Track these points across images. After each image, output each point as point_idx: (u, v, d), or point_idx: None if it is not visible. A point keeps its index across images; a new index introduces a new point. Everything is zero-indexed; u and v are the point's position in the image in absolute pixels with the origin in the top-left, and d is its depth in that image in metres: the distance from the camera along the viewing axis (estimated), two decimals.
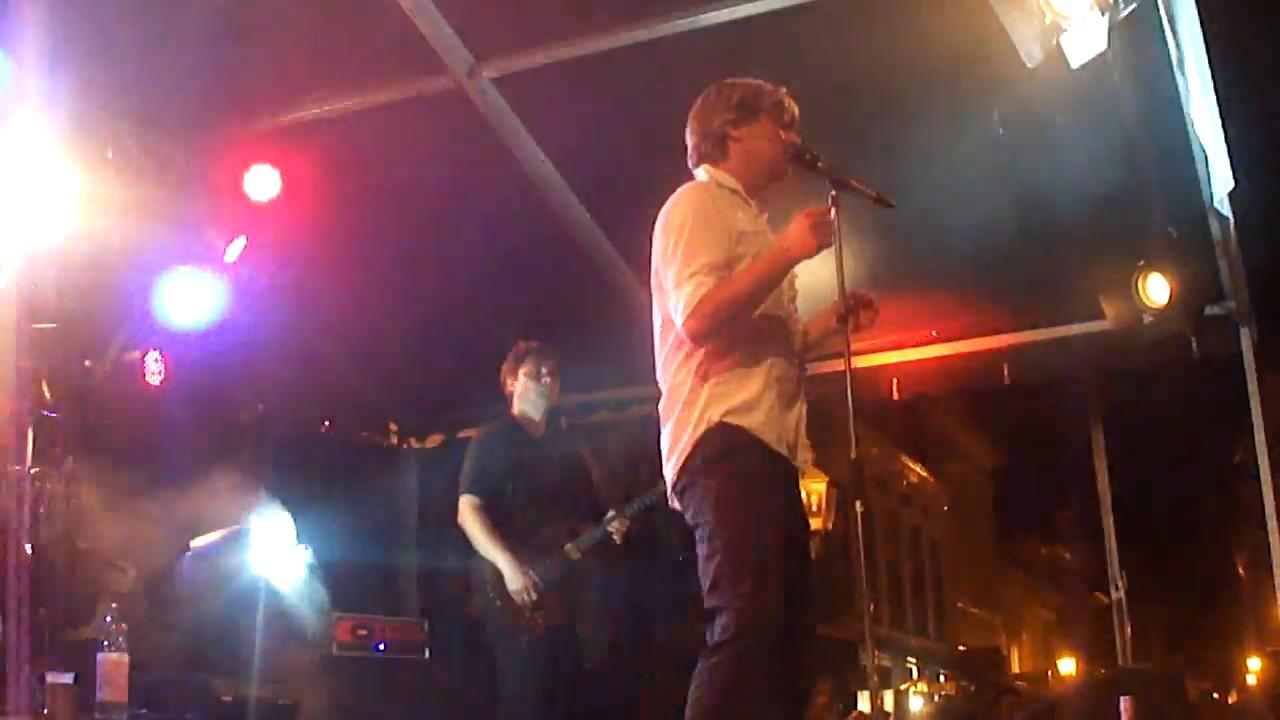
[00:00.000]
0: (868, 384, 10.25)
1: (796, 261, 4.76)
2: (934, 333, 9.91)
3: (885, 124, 7.88)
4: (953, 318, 9.77)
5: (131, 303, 8.91)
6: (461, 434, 11.81)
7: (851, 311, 4.91)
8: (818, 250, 4.65)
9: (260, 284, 9.20)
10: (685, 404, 4.82)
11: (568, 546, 7.68)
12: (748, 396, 4.76)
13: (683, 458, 4.80)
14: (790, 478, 4.92)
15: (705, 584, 4.65)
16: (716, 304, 4.67)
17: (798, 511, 5.04)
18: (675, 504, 4.90)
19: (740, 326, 4.77)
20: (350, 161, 8.63)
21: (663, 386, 4.98)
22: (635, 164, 7.62)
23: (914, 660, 36.74)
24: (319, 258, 9.27)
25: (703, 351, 4.80)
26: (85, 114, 8.11)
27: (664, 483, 7.77)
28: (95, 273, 8.44)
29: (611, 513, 7.81)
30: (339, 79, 8.29)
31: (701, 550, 4.71)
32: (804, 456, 4.97)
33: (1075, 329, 9.38)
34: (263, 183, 8.75)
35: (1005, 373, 9.82)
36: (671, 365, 4.92)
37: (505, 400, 8.03)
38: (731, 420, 4.72)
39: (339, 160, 8.62)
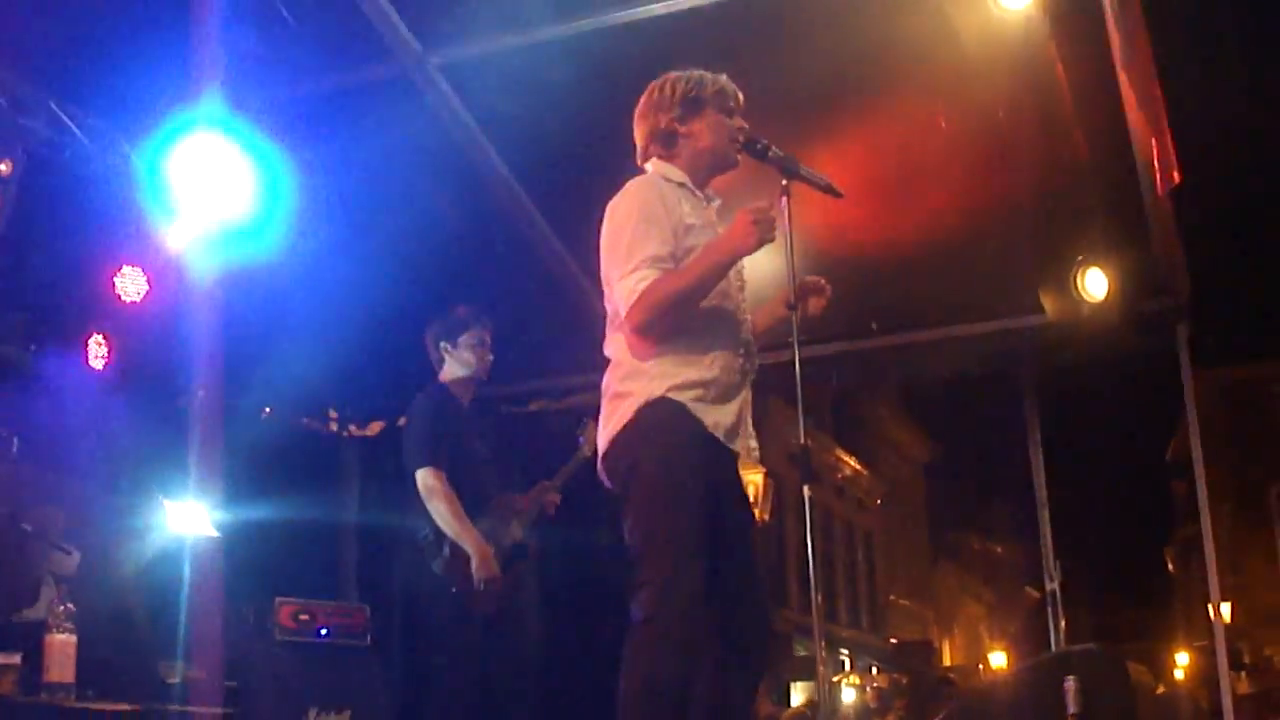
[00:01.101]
0: (806, 376, 10.30)
1: (738, 257, 4.82)
2: (874, 325, 9.96)
3: (828, 113, 7.93)
4: (892, 310, 9.81)
5: (76, 285, 8.89)
6: (402, 422, 11.85)
7: (800, 298, 4.96)
8: (758, 246, 4.71)
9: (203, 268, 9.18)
10: (628, 377, 4.86)
11: (513, 524, 7.60)
12: (691, 378, 4.80)
13: (617, 428, 4.83)
14: (727, 464, 4.96)
15: (631, 558, 4.68)
16: (660, 297, 4.72)
17: (739, 496, 5.08)
18: (604, 477, 4.93)
19: (686, 319, 4.81)
20: (295, 146, 8.61)
21: (608, 367, 5.02)
22: (581, 154, 7.68)
23: (846, 652, 36.92)
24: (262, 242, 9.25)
25: (649, 341, 4.83)
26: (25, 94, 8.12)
27: (584, 448, 7.86)
28: (40, 255, 8.44)
29: (543, 484, 7.79)
30: (284, 65, 8.27)
31: (627, 524, 4.75)
32: (746, 445, 5.02)
33: (1014, 322, 9.44)
34: None
35: (943, 364, 9.90)
36: (619, 355, 4.96)
37: (433, 366, 7.87)
38: (672, 395, 4.76)
39: (284, 145, 8.60)
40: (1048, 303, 8.65)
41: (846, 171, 7.60)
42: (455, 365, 7.77)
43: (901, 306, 9.75)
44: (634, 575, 4.66)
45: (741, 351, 5.02)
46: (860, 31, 7.43)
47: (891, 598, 43.37)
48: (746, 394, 5.04)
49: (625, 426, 4.81)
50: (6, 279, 8.31)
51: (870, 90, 7.74)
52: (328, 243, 9.29)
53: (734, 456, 4.97)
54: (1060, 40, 6.83)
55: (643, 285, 4.73)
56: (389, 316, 9.64)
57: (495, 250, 9.50)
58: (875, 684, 31.92)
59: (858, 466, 40.28)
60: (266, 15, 7.87)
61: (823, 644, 4.59)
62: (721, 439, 4.86)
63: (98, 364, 8.96)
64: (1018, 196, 8.07)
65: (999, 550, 52.54)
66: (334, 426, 12.05)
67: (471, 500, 7.46)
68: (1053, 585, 10.49)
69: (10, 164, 8.01)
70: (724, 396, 4.88)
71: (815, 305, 5.09)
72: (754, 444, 5.05)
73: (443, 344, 7.80)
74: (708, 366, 4.84)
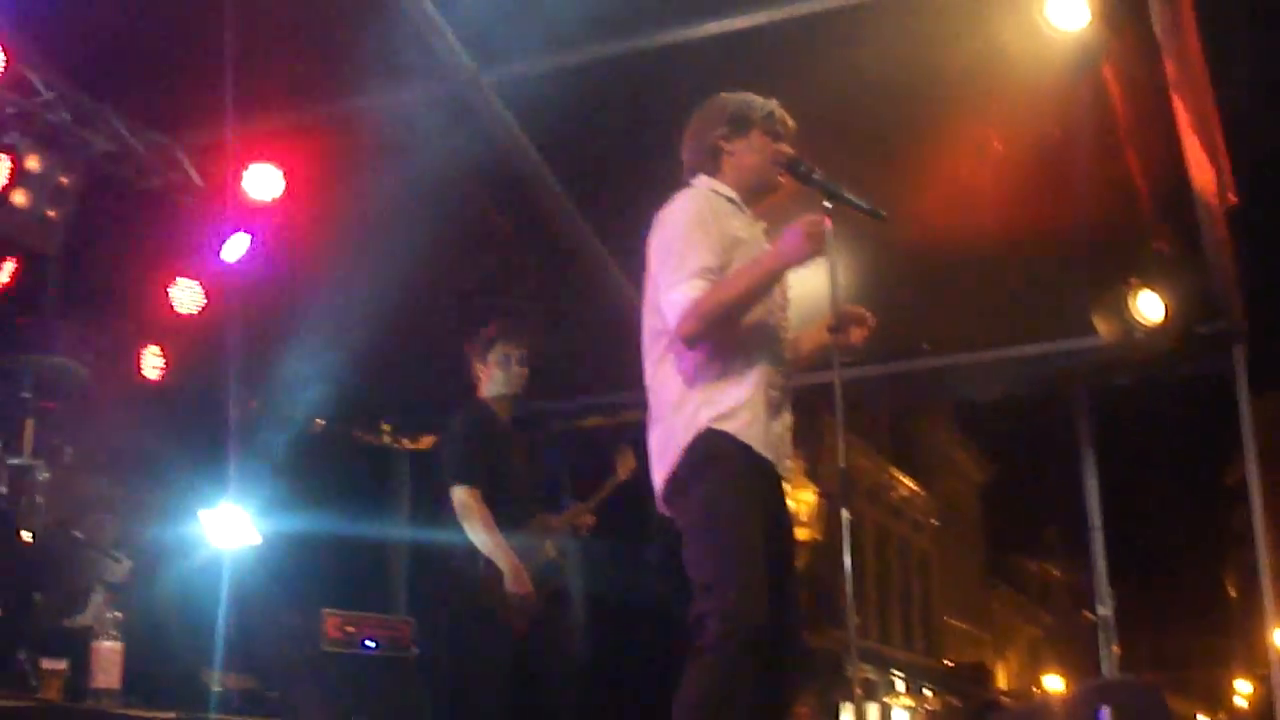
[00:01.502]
0: (859, 396, 10.32)
1: (788, 267, 4.80)
2: (926, 346, 9.94)
3: (882, 136, 7.93)
4: (945, 331, 9.80)
5: (133, 297, 9.00)
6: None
7: (842, 327, 4.95)
8: (810, 257, 4.69)
9: (259, 282, 9.27)
10: (673, 408, 4.86)
11: (547, 543, 7.61)
12: (735, 402, 4.79)
13: (670, 464, 4.83)
14: (775, 484, 4.97)
15: (694, 589, 4.69)
16: (709, 307, 4.72)
17: (783, 518, 5.08)
18: (663, 509, 4.94)
19: (729, 333, 4.83)
20: (351, 162, 8.69)
21: (650, 391, 5.03)
22: (633, 171, 7.69)
23: (900, 674, 36.74)
24: (317, 257, 9.34)
25: (690, 357, 4.84)
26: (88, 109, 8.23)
27: (620, 472, 7.90)
28: (98, 267, 8.55)
29: (577, 505, 7.82)
30: (341, 80, 8.35)
31: (688, 555, 4.76)
32: (788, 465, 5.02)
33: (1067, 344, 9.41)
34: (263, 181, 8.82)
35: (997, 387, 9.87)
36: (661, 369, 4.95)
37: (472, 383, 7.79)
38: (718, 426, 4.76)
39: (340, 160, 8.68)
40: (1100, 325, 8.60)
41: (898, 193, 7.69)
42: (489, 382, 7.71)
43: (954, 328, 9.73)
44: (695, 605, 4.68)
45: (783, 371, 5.02)
46: (912, 54, 7.42)
47: (946, 619, 43.13)
48: (788, 413, 5.04)
49: (677, 465, 4.82)
50: (64, 290, 8.42)
51: (921, 112, 7.73)
52: (383, 258, 9.35)
53: (779, 476, 4.98)
54: (1114, 62, 6.81)
55: (692, 295, 4.74)
56: (442, 331, 9.69)
57: (549, 267, 9.55)
58: (928, 706, 31.78)
59: (914, 487, 40.10)
60: (322, 33, 7.96)
61: (857, 664, 4.58)
62: (771, 459, 4.86)
63: (152, 375, 9.08)
64: (1070, 218, 8.05)
65: (1056, 573, 52.22)
66: (386, 439, 12.13)
67: (508, 517, 7.40)
68: (1105, 610, 10.41)
69: (71, 177, 8.12)
70: (768, 415, 4.88)
71: (857, 335, 5.07)
72: (790, 463, 5.05)
73: (475, 363, 7.79)
74: (752, 383, 4.83)
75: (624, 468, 7.90)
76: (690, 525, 4.77)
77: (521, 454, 7.72)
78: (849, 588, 4.67)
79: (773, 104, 5.14)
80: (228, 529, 8.58)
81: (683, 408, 4.82)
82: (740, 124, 5.09)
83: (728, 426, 4.75)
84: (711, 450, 4.74)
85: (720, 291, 4.73)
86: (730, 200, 5.04)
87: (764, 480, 4.84)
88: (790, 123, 5.15)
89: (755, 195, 5.13)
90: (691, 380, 4.82)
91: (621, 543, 9.65)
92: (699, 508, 4.74)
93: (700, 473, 4.74)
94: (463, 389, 8.11)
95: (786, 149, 5.08)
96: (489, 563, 7.21)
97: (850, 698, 29.92)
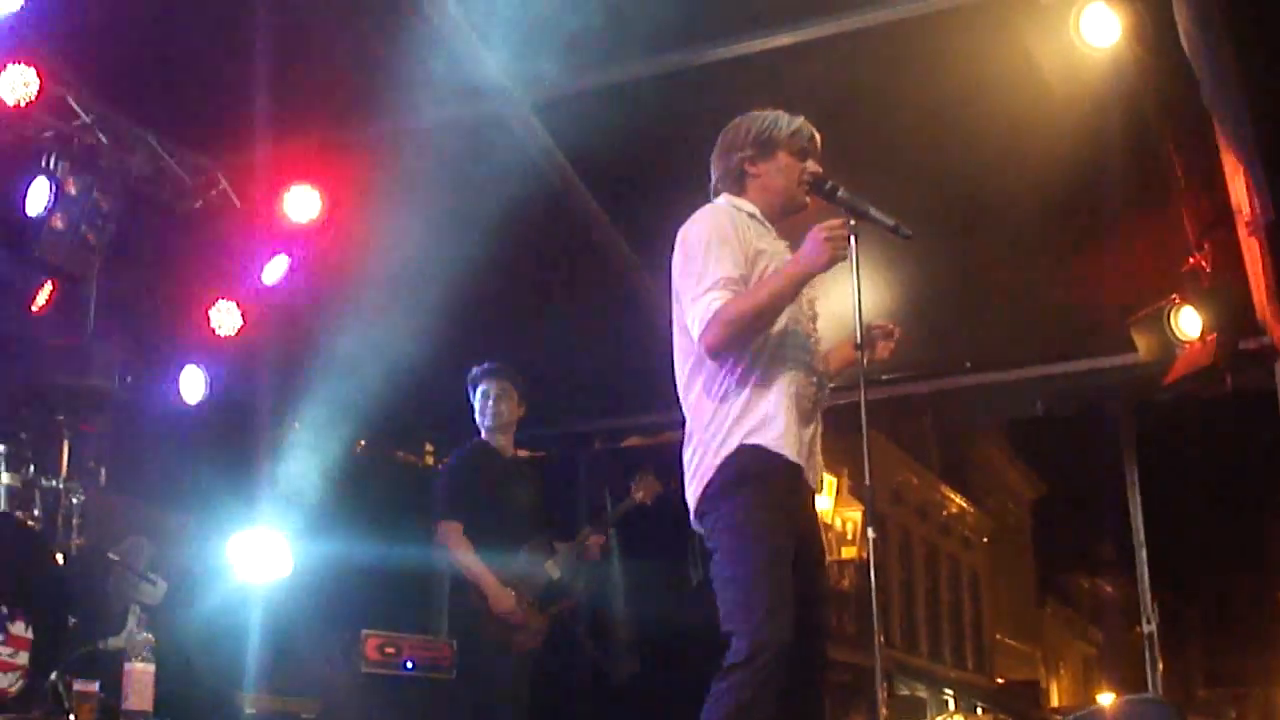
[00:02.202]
0: (902, 413, 10.31)
1: (811, 274, 4.78)
2: (968, 364, 9.91)
3: (918, 153, 7.91)
4: (987, 348, 9.77)
5: (170, 320, 9.03)
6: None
7: (870, 342, 4.94)
8: (831, 263, 4.68)
9: (298, 304, 9.30)
10: (706, 426, 4.85)
11: (547, 564, 7.84)
12: (766, 414, 4.78)
13: (704, 482, 4.83)
14: (807, 494, 4.96)
15: (721, 607, 4.68)
16: (733, 317, 4.71)
17: (812, 528, 5.06)
18: (696, 526, 4.93)
19: (759, 344, 4.81)
20: (390, 184, 8.71)
21: (684, 407, 5.02)
22: (670, 190, 7.66)
23: (950, 692, 36.56)
24: (357, 278, 9.36)
25: (722, 370, 4.84)
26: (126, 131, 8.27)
27: (635, 493, 8.21)
28: (135, 290, 8.58)
29: (586, 528, 8.14)
30: (381, 103, 8.38)
31: (717, 573, 4.75)
32: (817, 476, 5.01)
33: (1107, 361, 9.36)
34: (302, 203, 8.86)
35: (1038, 404, 9.82)
36: (692, 386, 4.95)
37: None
38: (750, 440, 4.75)
39: (378, 182, 8.71)
40: (1140, 342, 8.54)
41: (933, 209, 7.67)
42: (479, 418, 8.19)
43: (994, 346, 9.69)
44: (723, 623, 4.67)
45: (814, 380, 5.00)
46: (946, 72, 7.40)
47: (998, 637, 42.90)
48: (818, 424, 5.03)
49: (709, 483, 4.82)
50: (102, 313, 8.45)
51: (956, 129, 7.70)
52: (423, 278, 9.37)
53: (809, 489, 4.96)
54: (1148, 78, 6.76)
55: (715, 305, 4.73)
56: (483, 351, 9.69)
57: (588, 285, 9.54)
58: None
59: (964, 504, 39.93)
60: (360, 54, 7.98)
61: (882, 686, 4.57)
62: (803, 465, 4.85)
63: (191, 396, 9.10)
64: (1106, 235, 8.00)
65: (1108, 589, 51.87)
66: (429, 459, 12.14)
67: (508, 543, 7.83)
68: (1150, 627, 10.33)
69: (109, 200, 8.16)
70: (800, 423, 4.86)
71: (884, 349, 5.07)
72: (822, 472, 5.04)
73: (474, 401, 8.22)
74: (782, 393, 4.82)
75: (643, 491, 8.28)
76: (720, 543, 4.77)
77: (526, 484, 8.10)
78: (874, 608, 4.64)
79: (799, 121, 5.13)
80: (262, 557, 8.60)
81: (715, 425, 4.83)
82: (766, 146, 5.09)
83: (760, 439, 4.76)
84: (745, 467, 4.75)
85: (743, 301, 4.73)
86: (752, 216, 5.03)
87: (796, 493, 4.82)
88: (818, 139, 5.14)
89: (781, 214, 5.12)
90: (722, 396, 4.83)
91: (666, 563, 9.68)
92: (730, 526, 4.74)
93: (733, 489, 4.75)
94: None
95: (814, 167, 5.07)
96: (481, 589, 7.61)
97: (899, 716, 29.86)
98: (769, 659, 4.50)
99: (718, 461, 4.78)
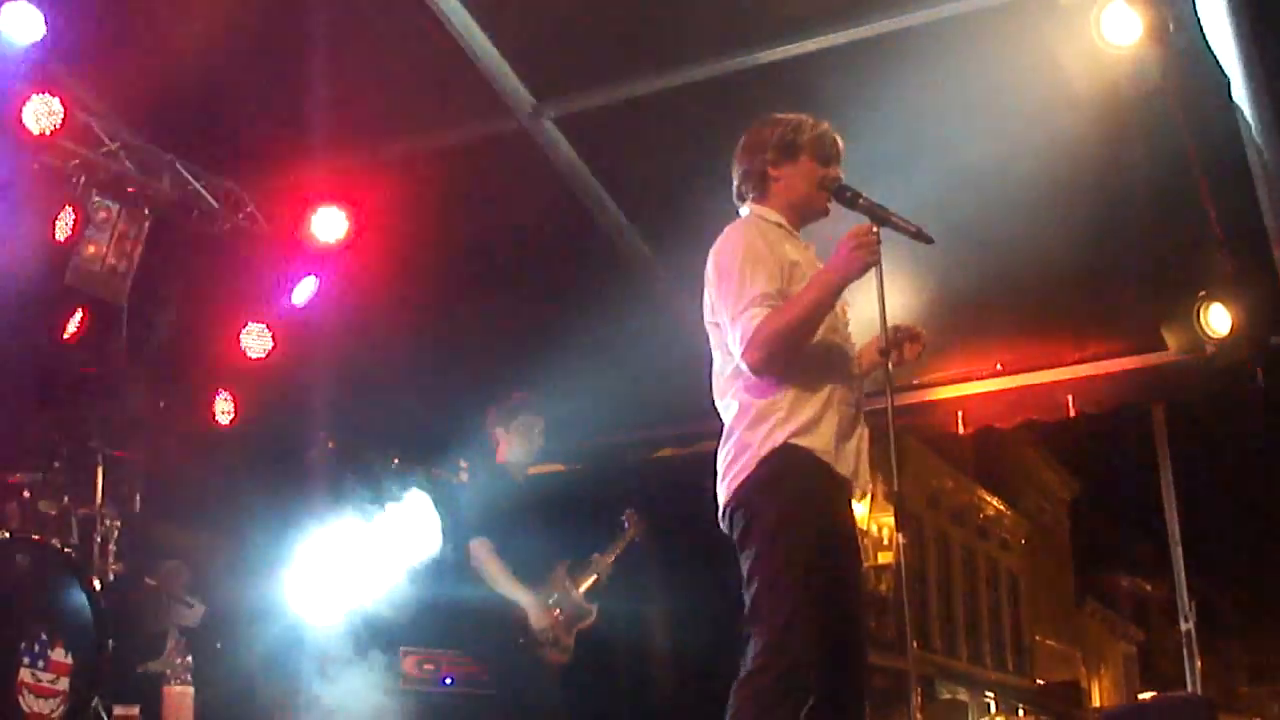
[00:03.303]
0: (934, 417, 10.28)
1: (845, 283, 4.77)
2: (999, 365, 9.88)
3: (942, 156, 7.89)
4: (1017, 350, 9.74)
5: (203, 343, 9.07)
6: (530, 471, 11.92)
7: (895, 345, 4.94)
8: (864, 269, 4.67)
9: (328, 324, 9.33)
10: (748, 425, 4.83)
11: (568, 583, 7.95)
12: (810, 417, 4.78)
13: (740, 479, 4.80)
14: (846, 504, 4.94)
15: (748, 605, 4.68)
16: (773, 333, 4.70)
17: (852, 534, 5.05)
18: (723, 524, 4.92)
19: (801, 354, 4.81)
20: (416, 203, 8.73)
21: (721, 407, 5.01)
22: (697, 202, 7.67)
23: (991, 695, 36.43)
24: (386, 297, 9.39)
25: (764, 379, 4.83)
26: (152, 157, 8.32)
27: (629, 532, 8.40)
28: (165, 315, 8.61)
29: (596, 555, 8.41)
30: (405, 122, 8.41)
31: (745, 571, 4.74)
32: (864, 482, 4.99)
33: (1138, 360, 9.32)
34: (329, 224, 8.89)
35: (1070, 404, 9.77)
36: (731, 392, 4.95)
37: (489, 443, 8.41)
38: (795, 441, 4.75)
39: (405, 202, 8.73)
40: (1170, 339, 8.51)
41: (959, 211, 7.65)
42: (509, 448, 8.33)
43: (1024, 346, 9.66)
44: (748, 620, 4.66)
45: (854, 386, 5.00)
46: (968, 75, 7.38)
47: (1037, 638, 42.71)
48: (863, 429, 5.01)
49: (747, 479, 4.80)
50: (133, 338, 8.49)
51: (979, 131, 7.67)
52: (450, 294, 9.40)
53: (850, 495, 4.95)
54: (1170, 75, 6.73)
55: (756, 322, 4.73)
56: (515, 367, 9.71)
57: (616, 300, 9.53)
58: None
59: (1000, 506, 39.77)
60: (382, 74, 8.01)
61: (917, 690, 4.55)
62: (847, 475, 4.84)
63: (224, 419, 9.14)
64: (1133, 232, 7.97)
65: (1148, 588, 51.58)
66: (464, 476, 12.15)
67: (528, 569, 7.97)
68: (1188, 625, 10.27)
69: (137, 226, 8.21)
70: (843, 431, 4.86)
71: (910, 351, 5.06)
72: (867, 479, 5.01)
73: (498, 428, 8.33)
74: (826, 401, 4.82)
75: (633, 528, 8.82)
76: (753, 543, 4.75)
77: (536, 513, 8.21)
78: (906, 609, 4.64)
79: (823, 126, 5.13)
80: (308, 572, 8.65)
81: (759, 424, 4.81)
82: (788, 149, 5.08)
83: (806, 442, 4.74)
84: (789, 465, 4.74)
85: (782, 317, 4.72)
86: (779, 225, 5.03)
87: (837, 497, 4.82)
88: (841, 145, 5.14)
89: (802, 219, 5.13)
90: (767, 398, 4.81)
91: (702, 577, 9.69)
92: (765, 528, 4.72)
93: (771, 488, 4.74)
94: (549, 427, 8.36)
95: (836, 172, 5.07)
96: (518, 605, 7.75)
97: (954, 718, 29.79)
98: (787, 667, 4.50)
99: (760, 454, 4.76)
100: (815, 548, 4.66)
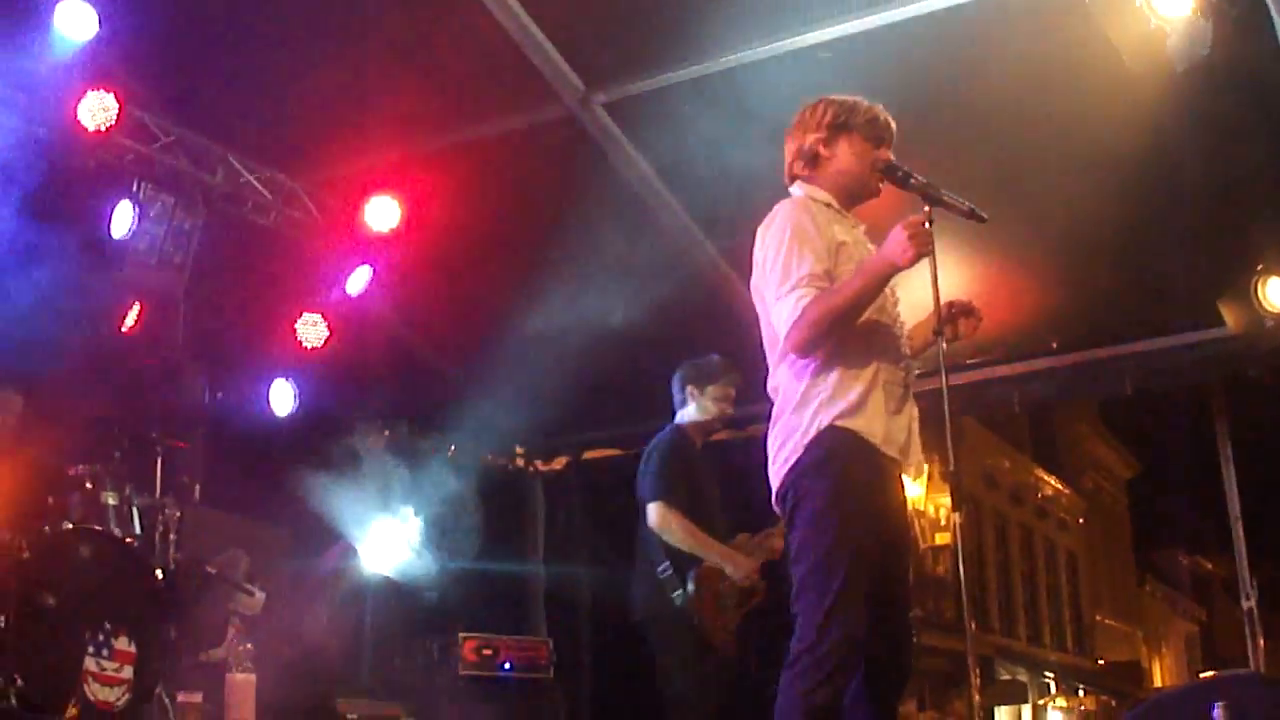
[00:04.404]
0: (990, 395, 10.24)
1: (896, 271, 4.74)
2: (1054, 343, 9.84)
3: (996, 135, 7.86)
4: (1073, 327, 9.69)
5: (257, 334, 9.13)
6: (586, 455, 11.96)
7: (950, 321, 4.93)
8: (916, 259, 4.65)
9: (383, 312, 9.38)
10: (794, 408, 4.84)
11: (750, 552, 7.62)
12: (856, 399, 4.78)
13: (789, 462, 4.81)
14: (895, 484, 4.94)
15: (795, 587, 4.69)
16: (819, 315, 4.70)
17: (901, 514, 5.05)
18: (776, 506, 4.93)
19: (846, 334, 4.81)
20: (468, 190, 8.76)
21: (771, 390, 5.02)
22: (747, 183, 7.67)
23: (1051, 675, 36.27)
24: (440, 285, 9.43)
25: (810, 359, 4.84)
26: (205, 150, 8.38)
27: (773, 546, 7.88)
28: (221, 306, 8.67)
29: (768, 530, 7.71)
30: (456, 111, 8.43)
31: (792, 553, 4.75)
32: (916, 460, 4.98)
33: (1195, 336, 9.26)
34: (383, 213, 8.93)
35: (1127, 382, 9.72)
36: (780, 373, 4.96)
37: (676, 405, 7.92)
38: (840, 423, 4.74)
39: (457, 190, 8.75)
40: (1228, 315, 8.46)
41: (1013, 190, 7.63)
42: (697, 410, 7.84)
43: (1080, 324, 9.61)
44: (794, 602, 4.68)
45: (903, 366, 4.99)
46: (1020, 53, 7.35)
47: (1097, 618, 42.50)
48: (912, 408, 5.00)
49: (796, 462, 4.81)
50: (190, 330, 8.56)
51: (1032, 109, 7.64)
52: (502, 282, 9.43)
53: (900, 475, 4.95)
54: (1225, 44, 6.68)
55: (803, 304, 4.73)
56: (568, 353, 9.73)
57: (669, 282, 9.54)
58: (1084, 707, 31.23)
59: (1058, 486, 39.56)
60: (433, 63, 8.03)
61: (975, 671, 4.55)
62: (896, 455, 4.84)
63: (281, 409, 9.19)
64: (1188, 207, 7.92)
65: (1209, 566, 51.24)
66: (520, 462, 12.20)
67: (709, 534, 7.50)
68: (1249, 603, 10.22)
69: (192, 219, 8.27)
70: (890, 411, 4.85)
71: (966, 326, 5.05)
72: (919, 458, 5.00)
73: (690, 388, 7.87)
74: (872, 381, 4.81)
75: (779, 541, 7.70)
76: (800, 527, 4.76)
77: (711, 479, 7.80)
78: (963, 589, 4.62)
79: (876, 108, 5.12)
80: (368, 559, 8.69)
81: (805, 407, 4.81)
82: (840, 129, 5.08)
83: (852, 424, 4.74)
84: (835, 447, 4.73)
85: (828, 300, 4.71)
86: (828, 205, 5.02)
87: (885, 476, 4.82)
88: (894, 127, 5.13)
89: (853, 200, 5.11)
90: (813, 380, 4.81)
91: None
92: (812, 511, 4.73)
93: (818, 472, 4.74)
94: (593, 410, 8.20)
95: (887, 154, 5.06)
96: (699, 577, 7.30)
97: (1004, 701, 29.68)
98: (831, 648, 4.51)
99: (806, 441, 4.77)
100: (863, 530, 4.67)
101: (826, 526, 4.67)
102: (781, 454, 4.85)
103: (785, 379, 4.92)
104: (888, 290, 4.97)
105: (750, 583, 7.41)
